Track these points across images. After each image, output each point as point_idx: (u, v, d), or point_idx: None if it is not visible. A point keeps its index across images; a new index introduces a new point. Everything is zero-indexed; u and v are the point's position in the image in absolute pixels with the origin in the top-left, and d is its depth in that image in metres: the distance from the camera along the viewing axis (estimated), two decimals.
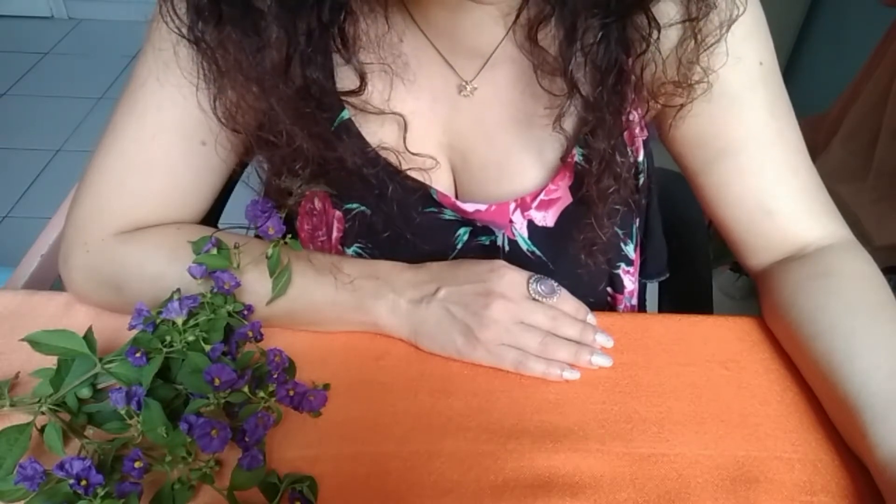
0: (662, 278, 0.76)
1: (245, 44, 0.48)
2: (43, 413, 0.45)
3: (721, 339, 0.57)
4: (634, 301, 0.72)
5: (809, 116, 1.47)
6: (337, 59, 0.53)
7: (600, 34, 0.49)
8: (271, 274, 0.53)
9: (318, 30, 0.48)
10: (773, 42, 0.55)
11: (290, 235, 0.53)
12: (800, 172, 0.57)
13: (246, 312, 0.53)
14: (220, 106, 0.52)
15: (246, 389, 0.47)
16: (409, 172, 0.58)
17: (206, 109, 0.52)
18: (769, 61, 0.55)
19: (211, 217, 0.62)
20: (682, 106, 0.53)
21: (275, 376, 0.49)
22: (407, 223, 0.60)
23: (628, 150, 0.58)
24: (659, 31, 0.49)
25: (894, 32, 1.29)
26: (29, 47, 2.63)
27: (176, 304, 0.48)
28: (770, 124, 0.55)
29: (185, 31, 0.49)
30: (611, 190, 0.55)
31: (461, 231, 0.62)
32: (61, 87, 2.43)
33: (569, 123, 0.55)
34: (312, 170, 0.53)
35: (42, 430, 0.44)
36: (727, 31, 0.50)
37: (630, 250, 0.66)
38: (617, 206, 0.58)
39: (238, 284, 0.52)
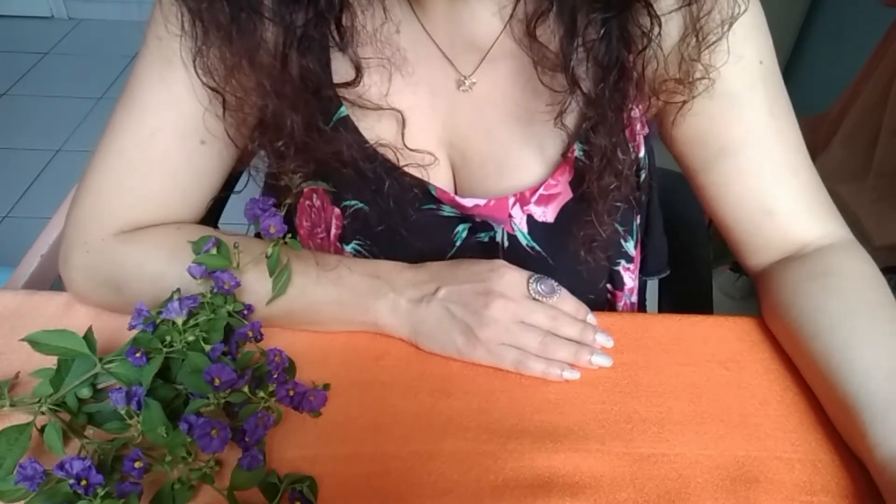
0: (663, 275, 0.76)
1: (243, 32, 0.48)
2: (43, 413, 0.45)
3: (721, 339, 0.57)
4: (634, 298, 0.72)
5: (809, 116, 1.47)
6: (334, 53, 0.53)
7: (602, 30, 0.49)
8: (271, 274, 0.53)
9: (315, 21, 0.48)
10: (772, 42, 0.55)
11: (289, 234, 0.53)
12: (800, 172, 0.57)
13: (246, 312, 0.53)
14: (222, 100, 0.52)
15: (246, 389, 0.47)
16: (407, 169, 0.57)
17: (207, 105, 0.52)
18: (769, 60, 0.55)
19: (211, 217, 0.61)
20: (683, 103, 0.53)
21: (275, 376, 0.49)
22: (404, 220, 0.60)
23: (630, 146, 0.58)
24: (660, 27, 0.49)
25: (894, 32, 1.29)
26: (29, 47, 2.63)
27: (176, 304, 0.48)
28: (770, 124, 0.55)
29: (185, 8, 0.49)
30: (612, 187, 0.55)
31: (460, 228, 0.62)
32: (61, 87, 2.43)
33: (570, 119, 0.55)
34: (310, 165, 0.54)
35: (42, 430, 0.44)
36: (728, 29, 0.50)
37: (630, 247, 0.66)
38: (618, 204, 0.58)
39: (238, 284, 0.52)
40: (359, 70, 0.52)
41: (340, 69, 0.54)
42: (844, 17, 1.73)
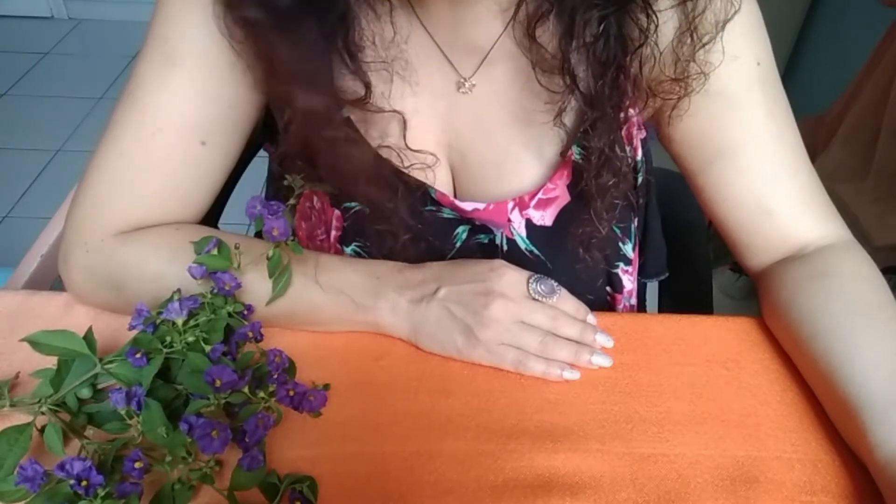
0: (661, 278, 0.76)
1: (246, 46, 0.48)
2: (43, 413, 0.45)
3: (721, 339, 0.57)
4: (634, 301, 0.72)
5: (809, 116, 1.47)
6: (338, 67, 0.53)
7: (600, 28, 0.49)
8: (271, 276, 0.53)
9: (322, 41, 0.48)
10: (771, 43, 0.55)
11: (291, 237, 0.53)
12: (799, 173, 0.57)
13: (246, 313, 0.53)
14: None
15: (246, 390, 0.47)
16: (409, 170, 0.57)
17: (208, 104, 0.53)
18: (766, 62, 0.55)
19: (211, 217, 0.61)
20: (678, 100, 0.53)
21: (275, 376, 0.49)
22: (405, 222, 0.60)
23: (627, 147, 0.58)
24: (657, 24, 0.49)
25: (894, 32, 1.29)
26: (29, 47, 2.63)
27: (176, 304, 0.48)
28: (768, 125, 0.55)
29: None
30: (610, 184, 0.56)
31: (460, 229, 0.62)
32: (61, 87, 2.43)
33: (568, 119, 0.55)
34: (312, 168, 0.54)
35: (42, 430, 0.44)
36: (722, 29, 0.50)
37: (628, 249, 0.66)
38: (616, 200, 0.58)
39: (239, 286, 0.52)
40: (368, 88, 0.52)
41: (345, 79, 0.54)
42: (844, 17, 1.73)
